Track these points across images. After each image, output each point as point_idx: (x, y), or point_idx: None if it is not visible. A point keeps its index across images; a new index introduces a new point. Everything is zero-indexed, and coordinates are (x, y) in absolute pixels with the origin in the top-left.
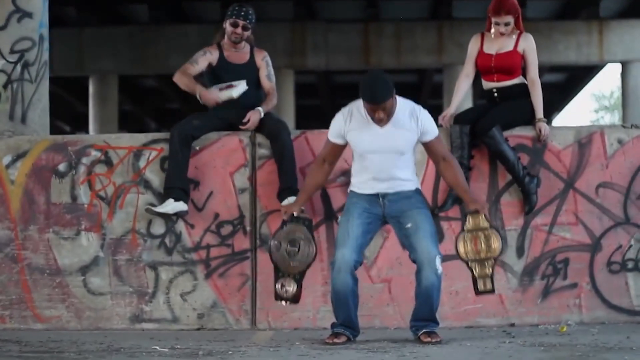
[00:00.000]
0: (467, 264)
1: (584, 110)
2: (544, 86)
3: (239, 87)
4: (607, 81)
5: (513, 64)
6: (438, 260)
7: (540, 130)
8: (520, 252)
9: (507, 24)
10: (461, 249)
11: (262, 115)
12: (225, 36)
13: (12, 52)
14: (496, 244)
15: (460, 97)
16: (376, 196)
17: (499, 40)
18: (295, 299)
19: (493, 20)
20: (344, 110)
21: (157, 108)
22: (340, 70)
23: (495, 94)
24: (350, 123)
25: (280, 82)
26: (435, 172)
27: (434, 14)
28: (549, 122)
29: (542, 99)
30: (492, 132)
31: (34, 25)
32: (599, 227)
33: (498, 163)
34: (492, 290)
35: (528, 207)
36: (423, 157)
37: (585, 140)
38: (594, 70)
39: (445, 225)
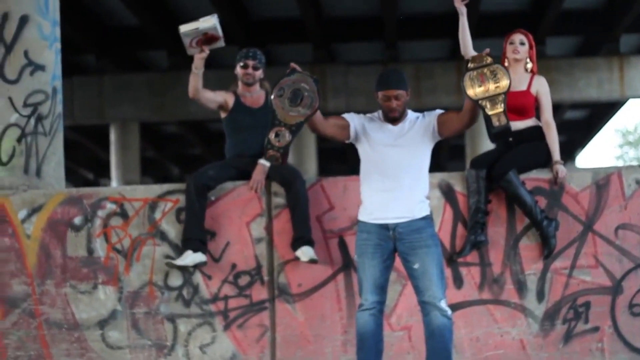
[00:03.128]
0: (478, 103)
1: (608, 145)
2: (567, 123)
3: (207, 21)
4: (631, 116)
5: (525, 103)
6: (444, 303)
7: (557, 173)
8: (540, 296)
9: (522, 43)
10: (469, 89)
11: (267, 168)
12: (239, 82)
13: (25, 105)
14: (503, 77)
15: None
16: (386, 228)
17: (512, 78)
18: (284, 152)
19: (509, 41)
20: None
21: (179, 154)
22: (360, 112)
23: (510, 139)
24: (367, 122)
25: None
26: (454, 217)
27: (453, 54)
28: (572, 159)
29: (565, 136)
30: (508, 176)
31: (47, 78)
32: (619, 269)
33: (516, 207)
34: (508, 126)
35: (547, 250)
36: (439, 203)
37: (602, 181)
38: (616, 106)
39: (464, 271)
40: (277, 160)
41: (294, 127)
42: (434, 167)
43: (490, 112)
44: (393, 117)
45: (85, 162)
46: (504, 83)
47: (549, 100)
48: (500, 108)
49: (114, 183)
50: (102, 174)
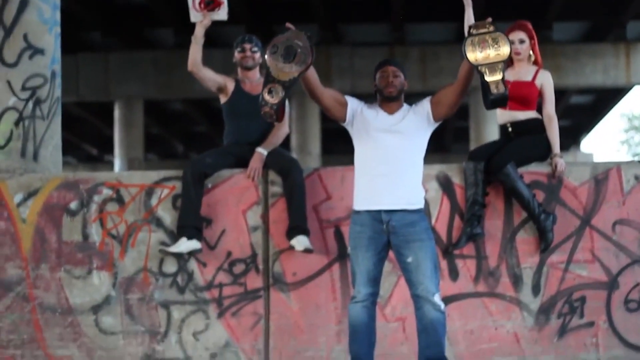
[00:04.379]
0: (477, 68)
1: (613, 130)
2: (572, 108)
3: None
4: (637, 101)
5: (529, 94)
6: (437, 297)
7: (555, 166)
8: (536, 290)
9: (521, 41)
10: (470, 54)
11: (264, 156)
12: (239, 70)
13: (23, 89)
14: (505, 45)
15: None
16: (380, 222)
17: (518, 70)
18: (278, 108)
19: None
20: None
21: (184, 131)
22: (365, 94)
23: (510, 129)
24: (365, 107)
25: (306, 106)
26: (451, 209)
27: (460, 37)
28: (577, 143)
29: (570, 121)
30: (506, 169)
31: (46, 61)
32: (615, 265)
33: (513, 200)
34: (505, 94)
35: (544, 244)
36: (437, 194)
37: (601, 176)
38: (622, 92)
39: (460, 263)
40: (272, 117)
41: (287, 83)
42: (438, 149)
43: (489, 79)
44: (389, 95)
45: (89, 137)
46: (505, 51)
47: (552, 94)
48: (499, 75)
49: (117, 160)
50: (106, 149)
